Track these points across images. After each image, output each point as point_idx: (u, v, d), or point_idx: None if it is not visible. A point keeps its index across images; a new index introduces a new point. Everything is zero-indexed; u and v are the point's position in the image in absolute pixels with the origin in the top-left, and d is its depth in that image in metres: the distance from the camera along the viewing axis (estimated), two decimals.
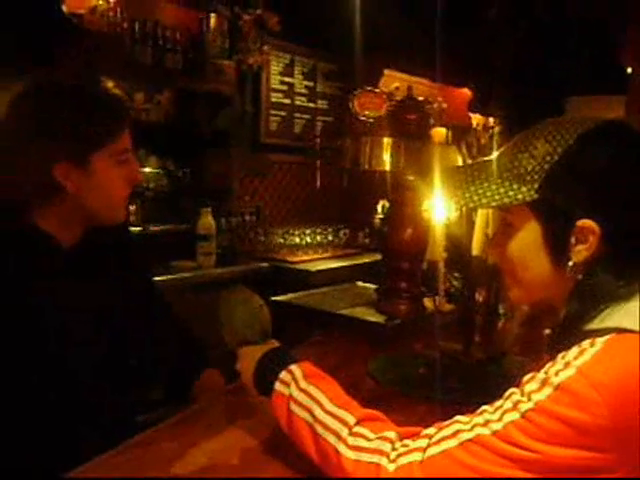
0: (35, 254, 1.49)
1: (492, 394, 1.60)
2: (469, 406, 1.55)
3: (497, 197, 1.09)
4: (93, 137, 1.47)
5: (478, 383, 1.73)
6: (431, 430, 1.02)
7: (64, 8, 3.18)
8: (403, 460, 0.99)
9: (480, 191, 1.10)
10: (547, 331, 1.18)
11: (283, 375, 1.22)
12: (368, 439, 1.04)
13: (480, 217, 1.80)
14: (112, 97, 1.53)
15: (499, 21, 5.74)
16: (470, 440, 0.95)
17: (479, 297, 1.98)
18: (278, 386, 1.21)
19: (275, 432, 1.41)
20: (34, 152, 1.46)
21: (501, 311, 2.40)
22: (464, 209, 1.90)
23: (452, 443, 0.96)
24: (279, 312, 2.71)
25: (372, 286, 2.52)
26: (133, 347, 1.72)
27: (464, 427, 0.98)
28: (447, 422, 1.02)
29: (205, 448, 1.34)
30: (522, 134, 1.12)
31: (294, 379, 1.20)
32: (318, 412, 1.12)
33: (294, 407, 1.17)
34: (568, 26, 5.68)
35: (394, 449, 1.01)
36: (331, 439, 1.08)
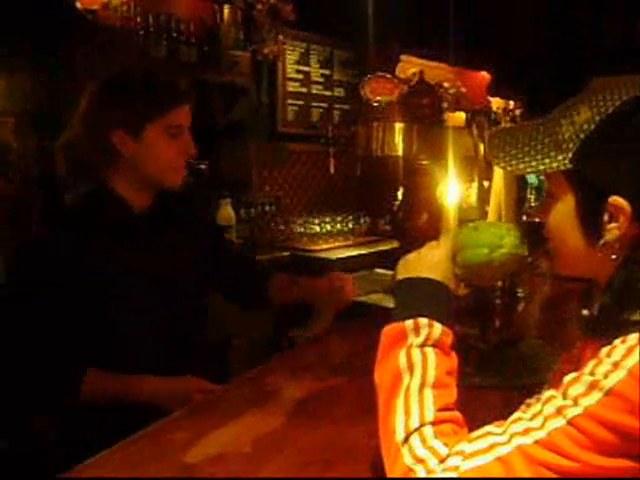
0: (107, 213, 1.75)
1: (510, 379, 1.60)
2: (487, 390, 1.56)
3: (534, 163, 1.02)
4: (145, 110, 1.71)
5: (496, 367, 1.72)
6: (463, 445, 0.91)
7: (78, 4, 3.19)
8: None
9: (520, 155, 1.05)
10: (585, 312, 1.10)
11: (422, 320, 1.06)
12: (425, 444, 0.93)
13: (494, 199, 1.79)
14: (167, 79, 1.81)
15: (518, 2, 5.67)
16: (509, 453, 0.86)
17: (505, 277, 1.96)
18: (408, 324, 1.06)
19: (287, 421, 1.42)
20: (98, 120, 1.72)
21: (520, 294, 2.38)
22: (478, 192, 1.88)
23: (487, 458, 0.87)
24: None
25: (390, 272, 2.51)
26: (189, 313, 1.87)
27: (500, 439, 0.89)
28: (477, 433, 0.93)
29: (217, 437, 1.34)
30: (572, 98, 1.04)
31: (427, 336, 1.05)
32: (414, 382, 1.00)
33: (402, 356, 1.04)
34: (589, 6, 5.61)
35: (439, 465, 0.91)
36: (399, 420, 0.97)
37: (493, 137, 1.12)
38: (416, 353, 1.03)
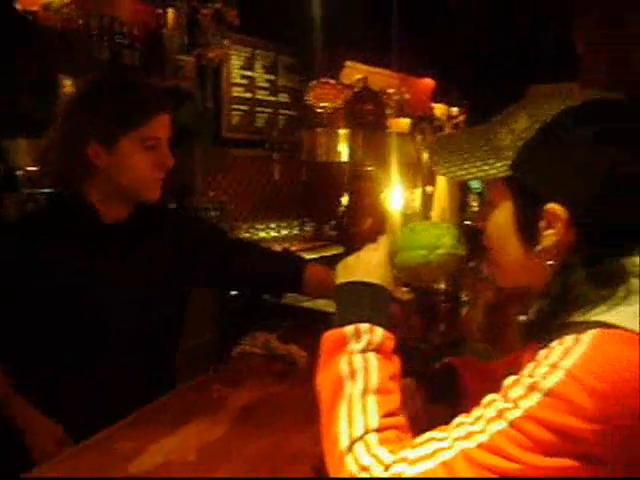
0: (75, 221, 1.72)
1: None
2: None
3: (473, 170, 1.02)
4: (119, 122, 1.66)
5: None
6: (406, 452, 0.90)
7: (17, 5, 3.13)
8: None
9: (459, 162, 1.04)
10: (521, 317, 1.10)
11: (363, 326, 1.05)
12: (369, 452, 0.92)
13: (436, 204, 1.81)
14: (141, 90, 1.73)
15: (460, 10, 5.76)
16: (452, 458, 0.86)
17: (440, 285, 2.00)
18: (349, 329, 1.05)
19: (233, 429, 1.42)
20: (73, 131, 1.68)
21: (463, 298, 2.42)
22: (421, 197, 1.90)
23: (431, 464, 0.87)
24: (244, 306, 2.71)
25: None
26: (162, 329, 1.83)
27: (442, 444, 0.88)
28: (420, 439, 0.92)
29: (162, 446, 1.33)
30: (512, 106, 1.05)
31: (368, 341, 1.03)
32: (357, 388, 0.99)
33: (343, 362, 1.02)
34: (529, 14, 5.73)
35: (384, 472, 0.90)
36: (342, 428, 0.96)
37: (434, 144, 1.13)
38: (357, 359, 1.02)
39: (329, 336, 1.06)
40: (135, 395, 1.64)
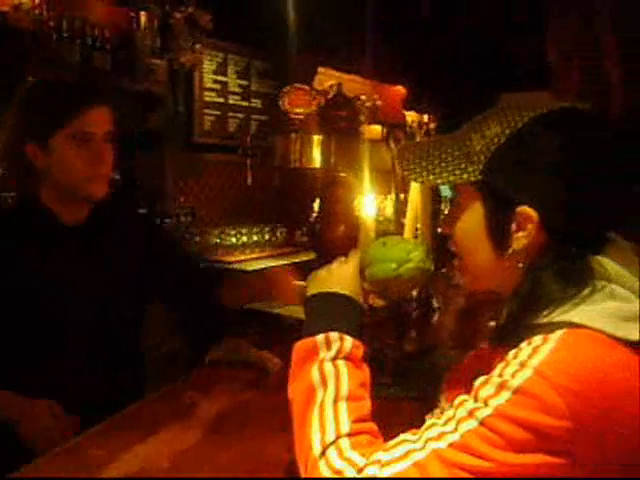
0: (33, 224, 1.72)
1: (424, 389, 1.63)
2: (402, 401, 1.58)
3: (444, 174, 1.05)
4: (48, 119, 1.66)
5: (411, 378, 1.74)
6: (379, 454, 0.91)
7: None
8: None
9: (430, 167, 1.07)
10: (492, 323, 1.12)
11: (333, 335, 1.07)
12: (341, 456, 0.93)
13: (410, 211, 1.81)
14: (69, 86, 1.74)
15: (432, 18, 5.80)
16: (425, 458, 0.87)
17: (413, 292, 2.00)
18: (319, 338, 1.07)
19: (205, 436, 1.41)
20: (13, 133, 1.71)
21: (435, 305, 2.43)
22: (394, 203, 1.91)
23: (404, 465, 0.88)
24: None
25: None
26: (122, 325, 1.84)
27: (415, 446, 0.90)
28: (393, 442, 0.93)
29: (135, 453, 1.32)
30: (483, 114, 1.08)
31: (339, 349, 1.06)
32: (328, 396, 1.01)
33: (314, 371, 1.04)
34: (500, 22, 5.79)
35: (357, 475, 0.91)
36: (315, 434, 0.97)
37: (403, 150, 1.15)
38: (328, 367, 1.04)
39: (300, 345, 1.09)
40: (95, 395, 1.66)
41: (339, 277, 1.18)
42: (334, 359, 1.05)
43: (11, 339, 1.66)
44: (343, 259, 1.23)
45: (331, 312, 1.12)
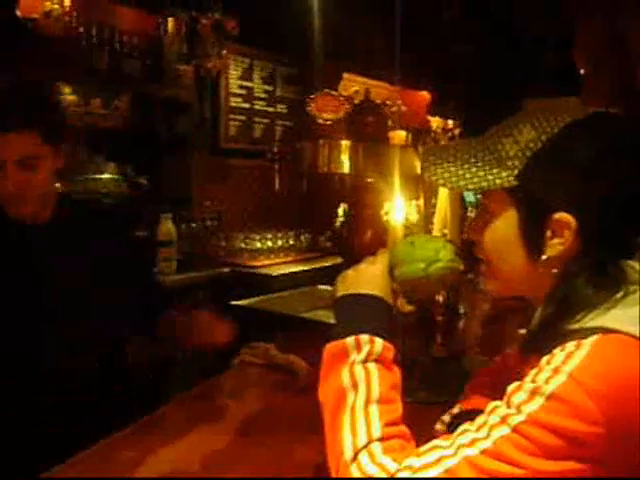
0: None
1: (453, 394, 1.63)
2: (431, 405, 1.58)
3: (476, 180, 1.03)
4: None
5: (439, 383, 1.74)
6: (411, 460, 0.91)
7: (18, 12, 3.13)
8: None
9: (460, 172, 1.05)
10: (521, 331, 1.11)
11: (363, 337, 1.06)
12: (373, 461, 0.93)
13: (438, 216, 1.82)
14: None
15: (457, 24, 5.80)
16: (457, 465, 0.86)
17: (439, 297, 2.00)
18: (349, 341, 1.06)
19: (236, 438, 1.42)
20: None
21: (461, 311, 2.43)
22: (423, 209, 1.91)
23: (435, 471, 0.87)
24: (240, 316, 2.71)
25: (332, 289, 2.52)
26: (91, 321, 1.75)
27: (447, 452, 0.89)
28: (425, 448, 0.93)
29: (165, 455, 1.33)
30: (511, 118, 1.07)
31: (369, 352, 1.05)
32: (359, 399, 1.00)
33: (345, 374, 1.04)
34: (527, 27, 5.76)
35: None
36: (346, 439, 0.97)
37: (427, 154, 1.12)
38: (359, 370, 1.03)
39: (330, 348, 1.08)
40: (76, 407, 1.65)
41: (368, 277, 1.16)
42: (365, 362, 1.04)
43: None
44: (371, 259, 1.21)
45: (361, 313, 1.11)
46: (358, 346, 1.05)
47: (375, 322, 1.09)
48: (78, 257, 1.75)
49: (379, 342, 1.06)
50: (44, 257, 1.71)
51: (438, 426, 1.18)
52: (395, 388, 1.04)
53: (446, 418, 1.20)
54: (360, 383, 1.02)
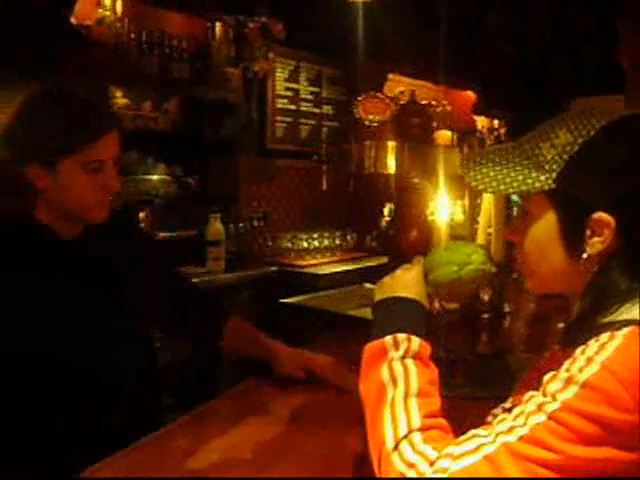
0: (30, 241, 1.62)
1: (497, 390, 1.65)
2: (475, 401, 1.60)
3: (515, 184, 1.07)
4: (60, 145, 1.55)
5: (483, 379, 1.76)
6: (451, 448, 0.95)
7: (72, 20, 3.23)
8: None
9: (499, 176, 1.09)
10: (560, 325, 1.14)
11: (401, 335, 1.12)
12: (414, 450, 0.97)
13: (483, 216, 1.84)
14: (86, 108, 1.62)
15: (501, 24, 5.77)
16: (495, 451, 0.90)
17: (484, 296, 2.02)
18: (388, 340, 1.12)
19: (286, 429, 1.46)
20: (14, 151, 1.60)
21: (507, 310, 2.44)
22: (467, 209, 1.93)
23: (475, 458, 0.91)
24: (288, 314, 2.76)
25: None
26: (134, 342, 1.74)
27: (485, 440, 0.93)
28: (464, 437, 0.97)
29: (218, 445, 1.37)
30: (547, 122, 1.10)
31: (407, 349, 1.11)
32: (398, 392, 1.05)
33: (384, 370, 1.09)
34: (572, 26, 5.71)
35: (429, 468, 0.94)
36: (387, 430, 1.01)
37: (466, 160, 1.17)
38: (397, 366, 1.08)
39: (370, 347, 1.14)
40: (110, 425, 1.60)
41: (404, 282, 1.23)
42: (403, 358, 1.09)
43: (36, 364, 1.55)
44: (407, 266, 1.28)
45: (398, 315, 1.17)
46: (396, 344, 1.11)
47: (412, 322, 1.16)
48: (115, 268, 1.74)
49: (416, 340, 1.12)
50: (90, 276, 1.68)
51: (489, 419, 1.22)
52: (433, 383, 1.09)
53: (498, 411, 1.23)
54: (399, 378, 1.07)
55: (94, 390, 1.61)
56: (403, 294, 1.20)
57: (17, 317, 1.53)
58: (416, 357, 1.10)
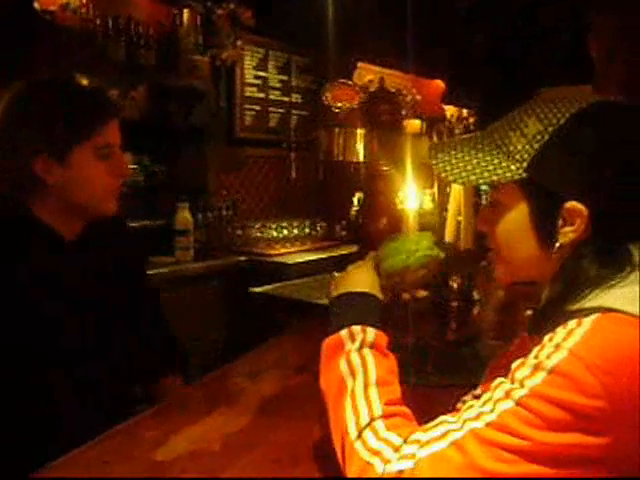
0: (30, 241, 1.57)
1: (467, 377, 1.65)
2: (445, 388, 1.61)
3: (486, 174, 1.06)
4: (69, 133, 1.52)
5: (453, 367, 1.77)
6: (418, 434, 0.95)
7: (36, 5, 3.17)
8: (393, 468, 0.92)
9: (469, 167, 1.08)
10: (528, 312, 1.15)
11: (355, 328, 1.15)
12: (378, 437, 0.98)
13: (452, 204, 1.84)
14: (90, 94, 1.62)
15: (471, 13, 5.78)
16: (462, 437, 0.90)
17: (453, 284, 2.03)
18: (343, 333, 1.15)
19: (254, 419, 1.45)
20: (15, 146, 1.53)
21: (476, 297, 2.45)
22: (437, 197, 1.93)
23: (442, 444, 0.91)
24: (257, 303, 2.75)
25: None
26: (118, 340, 1.74)
27: (453, 426, 0.93)
28: (432, 424, 0.97)
29: (187, 435, 1.36)
30: (515, 111, 1.10)
31: (362, 340, 1.13)
32: (358, 383, 1.06)
33: (342, 363, 1.11)
34: (541, 16, 5.74)
35: (395, 454, 0.94)
36: (350, 420, 1.02)
37: (434, 150, 1.16)
38: (355, 357, 1.11)
39: (327, 343, 1.17)
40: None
41: (355, 278, 1.27)
42: (359, 349, 1.12)
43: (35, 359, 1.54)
44: (359, 262, 1.32)
45: (351, 309, 1.20)
46: (352, 336, 1.14)
47: (366, 314, 1.19)
48: (110, 270, 1.73)
49: (371, 331, 1.15)
50: (88, 278, 1.67)
51: (459, 406, 1.22)
52: (392, 372, 1.11)
53: (468, 398, 1.24)
54: (357, 369, 1.09)
55: (82, 384, 1.61)
56: (356, 289, 1.23)
57: (13, 314, 1.51)
58: (373, 347, 1.13)
